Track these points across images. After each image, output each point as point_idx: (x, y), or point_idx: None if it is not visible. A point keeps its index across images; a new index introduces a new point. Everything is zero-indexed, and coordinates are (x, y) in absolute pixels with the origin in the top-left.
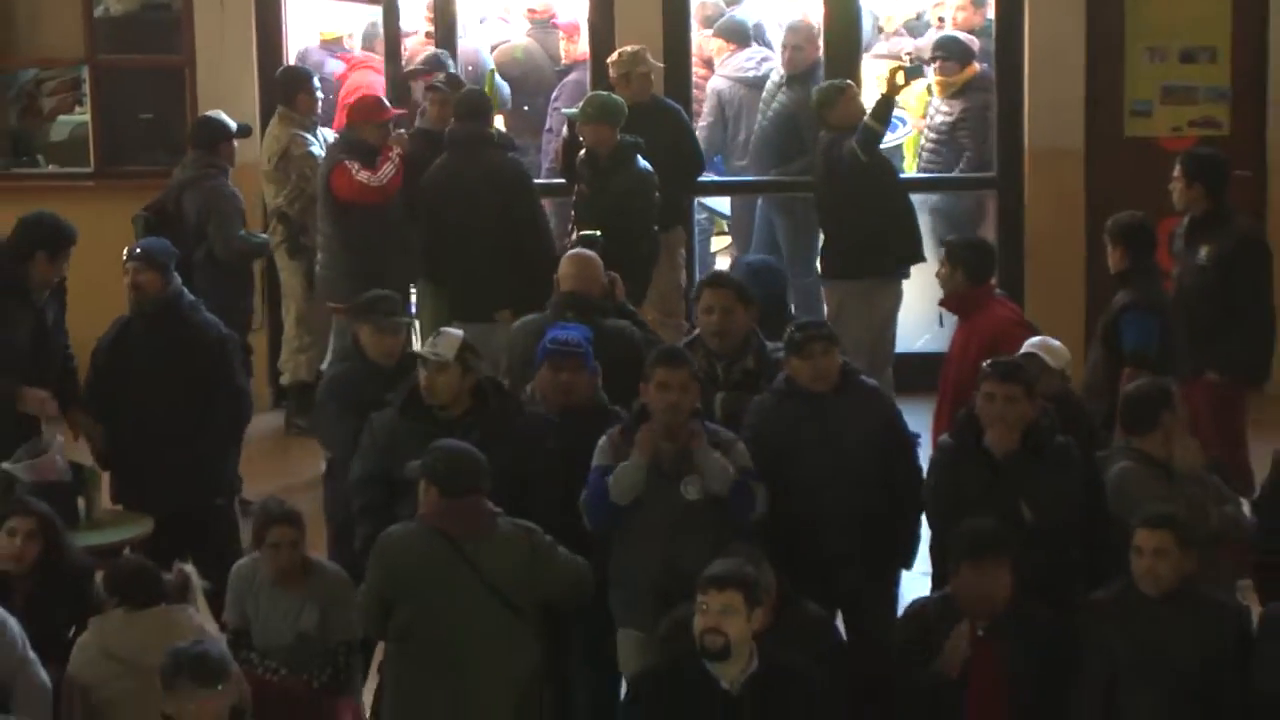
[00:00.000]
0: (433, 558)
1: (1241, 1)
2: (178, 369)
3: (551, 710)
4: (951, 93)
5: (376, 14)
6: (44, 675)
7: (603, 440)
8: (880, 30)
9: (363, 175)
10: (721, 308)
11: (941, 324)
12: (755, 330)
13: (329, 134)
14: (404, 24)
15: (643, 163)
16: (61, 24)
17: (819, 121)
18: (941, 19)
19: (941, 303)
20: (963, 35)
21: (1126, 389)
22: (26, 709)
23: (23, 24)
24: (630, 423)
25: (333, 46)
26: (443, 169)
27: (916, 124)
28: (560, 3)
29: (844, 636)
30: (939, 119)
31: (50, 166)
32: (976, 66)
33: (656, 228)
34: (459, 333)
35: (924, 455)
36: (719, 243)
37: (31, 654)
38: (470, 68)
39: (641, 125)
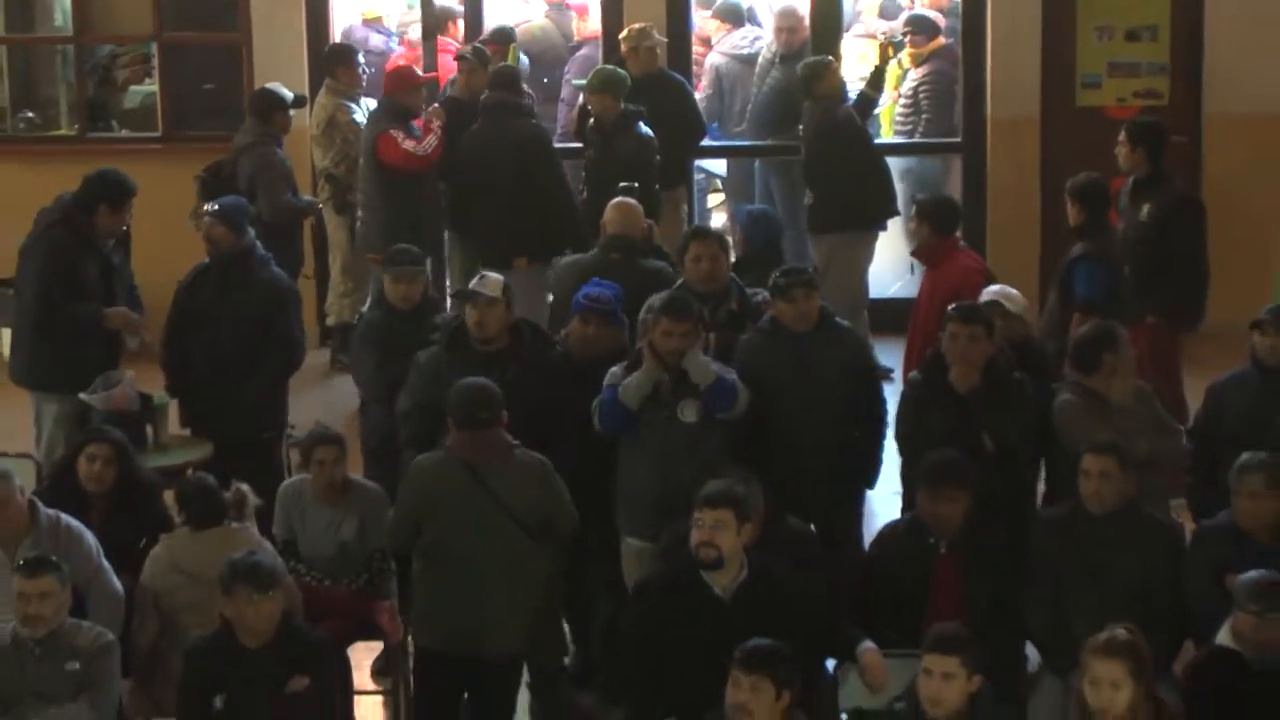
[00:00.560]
0: (455, 484)
1: None
2: (240, 314)
3: (567, 628)
4: (919, 61)
5: None
6: (117, 583)
7: (613, 369)
8: (859, 14)
9: (409, 144)
10: (709, 255)
11: (913, 272)
12: (734, 277)
13: (371, 103)
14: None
15: (644, 129)
16: (133, 6)
17: (805, 93)
18: (913, 1)
19: (913, 253)
20: (930, 12)
21: (1076, 333)
22: (101, 612)
23: (99, 6)
24: (634, 360)
25: (374, 25)
26: (477, 134)
27: (892, 95)
28: None
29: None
30: (907, 85)
31: (123, 131)
32: (942, 40)
33: (658, 186)
34: (499, 276)
35: (897, 390)
36: (714, 199)
37: (106, 564)
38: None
39: (649, 95)
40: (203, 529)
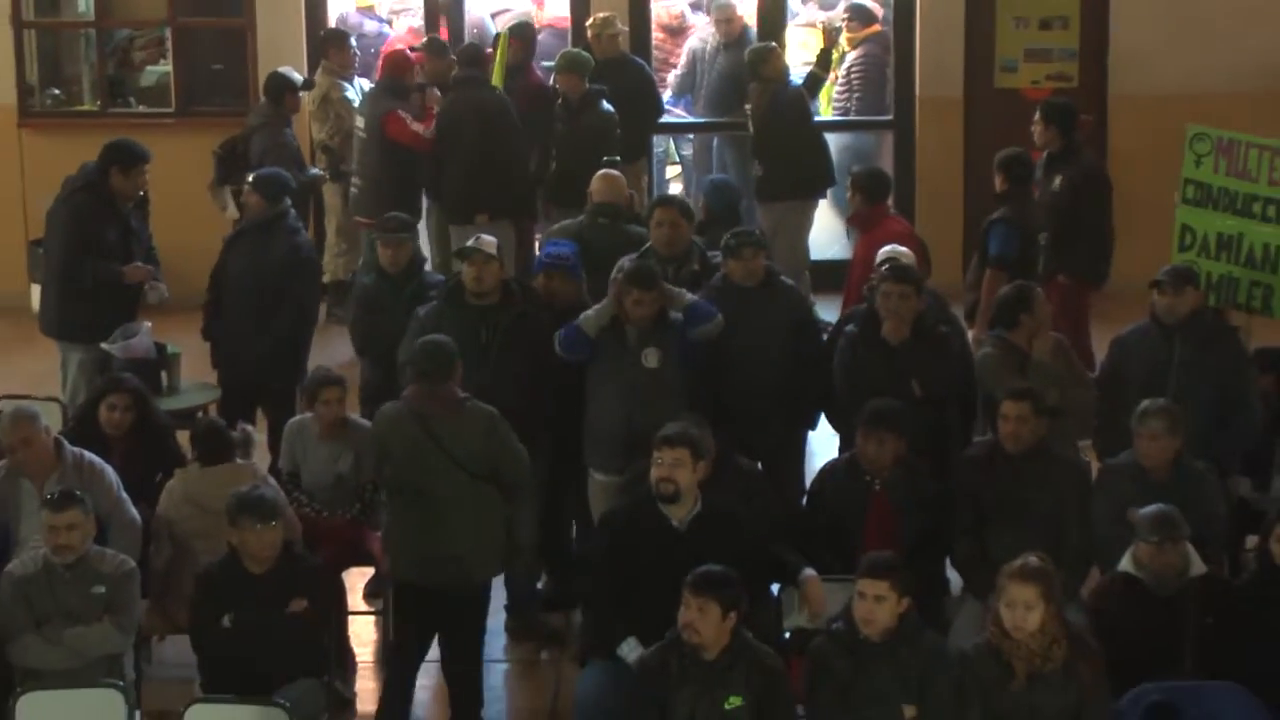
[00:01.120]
0: (407, 429)
1: None
2: (262, 275)
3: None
4: (854, 45)
5: None
6: (134, 513)
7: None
8: (804, 2)
9: (417, 126)
10: (670, 222)
11: (849, 236)
12: (697, 240)
13: (365, 83)
14: None
15: (606, 105)
16: None
17: (752, 75)
18: None
19: (848, 220)
20: (867, 1)
21: (999, 293)
22: (121, 540)
23: None
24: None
25: (367, 11)
26: (448, 106)
27: (829, 77)
28: None
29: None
30: (843, 67)
31: (140, 107)
32: (878, 26)
33: (619, 158)
34: (493, 238)
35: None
36: (671, 171)
37: (125, 495)
38: (475, 30)
39: (612, 76)
40: (212, 465)
